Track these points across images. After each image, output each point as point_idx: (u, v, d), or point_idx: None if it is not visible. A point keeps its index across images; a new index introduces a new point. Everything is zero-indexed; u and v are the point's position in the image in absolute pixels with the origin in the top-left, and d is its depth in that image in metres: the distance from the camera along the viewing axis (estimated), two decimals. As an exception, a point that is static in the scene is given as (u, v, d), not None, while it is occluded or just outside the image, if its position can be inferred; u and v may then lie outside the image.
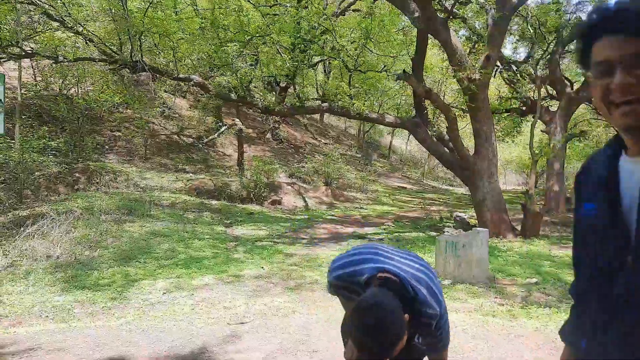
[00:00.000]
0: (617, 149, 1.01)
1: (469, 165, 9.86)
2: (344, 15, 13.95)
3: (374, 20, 11.51)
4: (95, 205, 8.64)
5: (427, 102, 10.95)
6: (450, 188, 22.40)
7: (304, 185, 14.81)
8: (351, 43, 11.04)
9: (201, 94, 16.66)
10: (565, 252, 7.86)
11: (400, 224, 10.96)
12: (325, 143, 22.16)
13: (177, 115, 18.04)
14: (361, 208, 13.81)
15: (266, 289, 5.69)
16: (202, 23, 10.66)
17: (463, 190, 22.33)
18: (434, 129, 10.95)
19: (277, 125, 21.07)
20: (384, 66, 13.03)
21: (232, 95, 10.45)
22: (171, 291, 5.46)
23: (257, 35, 10.18)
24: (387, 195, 16.74)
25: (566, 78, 13.71)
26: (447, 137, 10.91)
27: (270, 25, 10.01)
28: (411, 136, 28.17)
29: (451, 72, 10.56)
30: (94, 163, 12.19)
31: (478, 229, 6.46)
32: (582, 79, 16.00)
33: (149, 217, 8.78)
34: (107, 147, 14.25)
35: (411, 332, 1.80)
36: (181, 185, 12.62)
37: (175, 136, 16.88)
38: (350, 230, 10.13)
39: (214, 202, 11.39)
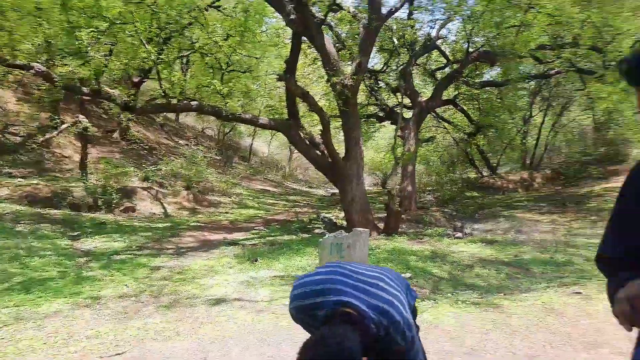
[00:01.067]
0: None
1: (340, 168, 10.29)
2: (207, 10, 13.37)
3: (246, 19, 11.28)
4: None
5: (299, 105, 11.13)
6: (310, 190, 23.19)
7: (162, 190, 13.74)
8: (224, 40, 10.59)
9: (37, 86, 14.28)
10: (424, 247, 8.67)
11: (271, 228, 10.88)
12: (184, 144, 20.97)
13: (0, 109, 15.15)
14: (227, 213, 13.38)
15: (135, 310, 5.04)
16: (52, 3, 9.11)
17: (322, 191, 23.36)
18: (306, 131, 11.16)
19: (127, 124, 19.21)
20: (249, 67, 12.88)
21: (84, 88, 9.13)
22: (10, 324, 4.46)
23: (118, 22, 9.09)
24: (252, 198, 16.57)
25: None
26: (318, 140, 11.24)
27: (134, 12, 9.01)
28: (273, 139, 28.53)
29: (317, 77, 10.93)
30: None
31: (359, 229, 6.72)
32: (429, 91, 18.09)
33: (-35, 232, 7.12)
34: None
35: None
36: (7, 193, 10.60)
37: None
38: (219, 236, 9.70)
39: (53, 211, 9.80)
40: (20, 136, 14.72)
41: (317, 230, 10.50)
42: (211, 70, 11.70)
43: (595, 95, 14.01)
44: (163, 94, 10.76)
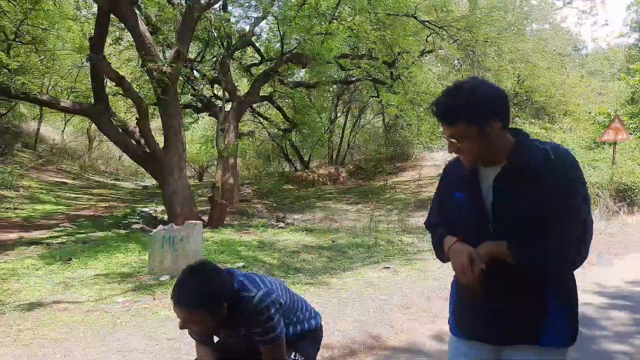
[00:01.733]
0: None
1: (159, 159, 9.92)
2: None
3: None
4: None
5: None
6: (118, 183, 21.42)
7: None
8: (13, 6, 9.04)
9: None
10: (251, 238, 9.13)
11: (78, 224, 9.85)
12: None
13: None
14: (16, 208, 11.47)
15: None
16: None
17: (131, 184, 21.81)
18: (118, 118, 10.39)
19: None
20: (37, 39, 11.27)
21: None
22: None
23: None
24: (46, 192, 14.52)
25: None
26: (132, 128, 10.57)
27: None
28: (67, 125, 25.18)
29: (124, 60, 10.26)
30: None
31: (192, 221, 6.73)
32: (244, 85, 18.64)
33: None
34: None
35: (237, 318, 1.98)
36: None
37: None
38: (13, 235, 8.38)
39: None
40: None
41: (135, 226, 9.95)
42: (7, 41, 9.89)
43: (385, 102, 16.67)
44: None
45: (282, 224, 10.67)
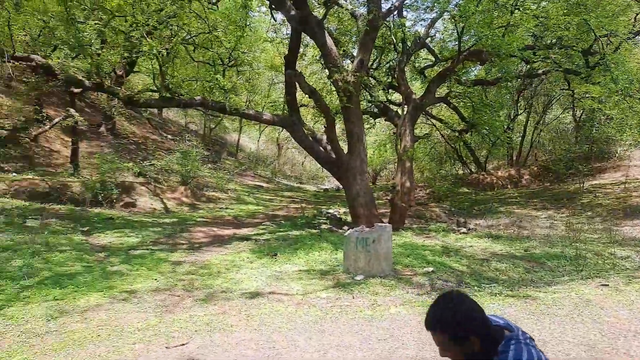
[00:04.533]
0: None
1: (344, 163, 10.45)
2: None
3: (230, 12, 11.27)
4: None
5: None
6: (302, 186, 23.30)
7: (160, 186, 13.63)
8: (226, 35, 10.58)
9: (25, 78, 13.87)
10: (434, 242, 8.96)
11: (277, 224, 10.97)
12: (172, 139, 20.75)
13: (-19, 101, 14.70)
14: (227, 208, 13.39)
15: (174, 303, 5.11)
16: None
17: (312, 187, 23.52)
18: (308, 127, 11.29)
19: (116, 118, 18.93)
20: (250, 62, 12.88)
21: (86, 81, 9.01)
22: (55, 317, 4.47)
23: (118, 14, 9.00)
24: (247, 194, 16.58)
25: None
26: (320, 136, 11.38)
27: (136, 5, 8.93)
28: (264, 134, 28.46)
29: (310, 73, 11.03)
30: None
31: (382, 224, 6.92)
32: (417, 88, 18.47)
33: (-22, 228, 6.98)
34: None
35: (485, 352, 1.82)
36: (4, 188, 10.37)
37: (-18, 127, 13.74)
38: (229, 232, 9.75)
39: (57, 206, 9.66)
40: (6, 129, 14.32)
41: (323, 226, 10.66)
42: (212, 65, 11.70)
43: (579, 94, 14.59)
44: (156, 88, 10.70)
45: (464, 229, 10.21)
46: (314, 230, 10.09)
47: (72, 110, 13.30)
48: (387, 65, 16.30)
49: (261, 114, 10.80)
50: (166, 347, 3.74)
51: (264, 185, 20.14)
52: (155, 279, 5.96)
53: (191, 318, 4.62)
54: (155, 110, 26.13)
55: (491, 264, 6.87)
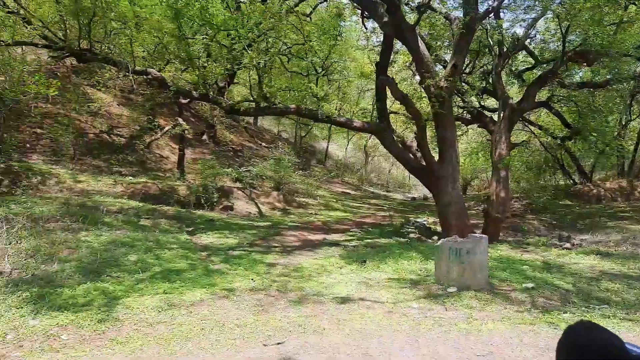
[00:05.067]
0: None
1: (435, 171, 10.14)
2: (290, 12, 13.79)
3: (324, 23, 11.51)
4: (36, 211, 7.52)
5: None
6: (389, 194, 23.06)
7: (255, 191, 14.30)
8: (320, 44, 10.87)
9: (142, 91, 15.41)
10: (533, 257, 8.34)
11: (365, 231, 10.97)
12: (266, 147, 21.69)
13: (105, 112, 16.49)
14: (316, 214, 13.65)
15: (269, 303, 5.29)
16: (165, 12, 9.83)
17: (399, 195, 23.14)
18: (397, 134, 11.16)
19: (217, 127, 20.27)
20: (342, 70, 13.07)
21: (194, 92, 9.76)
22: (165, 309, 4.86)
23: (223, 29, 9.63)
24: (335, 200, 16.78)
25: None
26: (409, 142, 11.18)
27: (238, 19, 9.51)
28: (351, 142, 28.69)
29: (414, 80, 10.87)
30: (17, 163, 10.72)
31: (477, 235, 6.61)
32: (513, 92, 17.39)
33: (102, 224, 7.83)
34: (28, 145, 12.63)
35: None
36: (121, 190, 11.53)
37: (106, 135, 15.45)
38: (319, 237, 9.92)
39: (165, 208, 10.54)
40: (124, 137, 15.95)
41: (412, 235, 10.43)
42: (305, 75, 12.05)
43: None
44: (252, 98, 11.22)
45: (567, 245, 9.38)
46: (402, 239, 9.91)
47: (180, 120, 14.46)
48: (482, 69, 15.60)
49: (352, 120, 10.90)
50: (264, 345, 3.88)
51: (351, 192, 20.25)
52: (252, 279, 6.23)
53: (285, 318, 4.75)
54: (251, 120, 27.53)
55: (601, 284, 6.22)
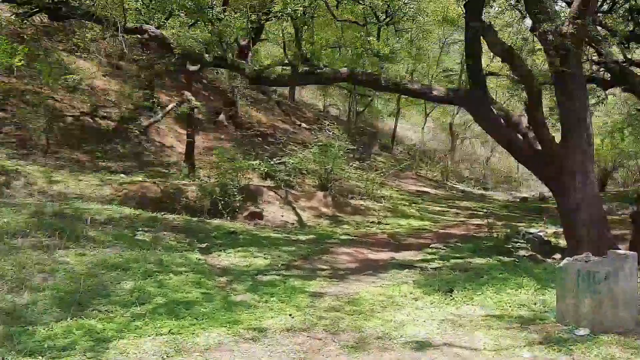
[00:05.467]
0: None
1: (555, 158, 9.89)
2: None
3: None
4: (-1, 224, 8.03)
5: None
6: (487, 193, 22.75)
7: (292, 191, 14.52)
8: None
9: (135, 57, 15.98)
10: None
11: (451, 246, 10.93)
12: (307, 128, 21.99)
13: (88, 87, 17.20)
14: (379, 223, 13.70)
15: (314, 349, 5.37)
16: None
17: (504, 195, 22.73)
18: (499, 106, 11.01)
19: (235, 104, 20.69)
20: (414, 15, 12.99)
21: (207, 56, 10.05)
22: (171, 355, 5.04)
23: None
24: (408, 203, 16.76)
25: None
26: (517, 118, 10.99)
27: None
28: (430, 119, 28.48)
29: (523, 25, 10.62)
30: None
31: (622, 251, 6.41)
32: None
33: (86, 240, 8.23)
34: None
35: None
36: (111, 193, 12.05)
37: (89, 119, 16.15)
38: (383, 255, 9.98)
39: (170, 216, 10.92)
40: (113, 121, 16.55)
41: (521, 252, 10.32)
42: (362, 24, 12.08)
43: None
44: (288, 61, 11.34)
45: None
46: (506, 258, 9.77)
47: (187, 94, 14.90)
48: (627, 4, 14.89)
49: (430, 88, 10.86)
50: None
51: (431, 191, 20.16)
52: (290, 315, 6.34)
53: (338, 372, 4.81)
54: (287, 92, 28.00)
55: None
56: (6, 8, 12.58)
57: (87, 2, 10.69)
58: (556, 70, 9.66)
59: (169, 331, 5.58)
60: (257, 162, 14.95)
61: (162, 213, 11.09)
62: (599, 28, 14.96)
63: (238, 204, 12.46)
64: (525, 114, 10.53)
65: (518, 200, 20.96)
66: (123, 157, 15.16)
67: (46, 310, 5.86)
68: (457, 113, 26.48)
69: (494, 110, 10.63)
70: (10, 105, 14.31)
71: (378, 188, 17.06)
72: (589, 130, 10.10)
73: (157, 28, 11.37)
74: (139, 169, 14.68)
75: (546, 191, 16.79)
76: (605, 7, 14.84)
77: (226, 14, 12.01)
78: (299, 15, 10.32)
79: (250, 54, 16.52)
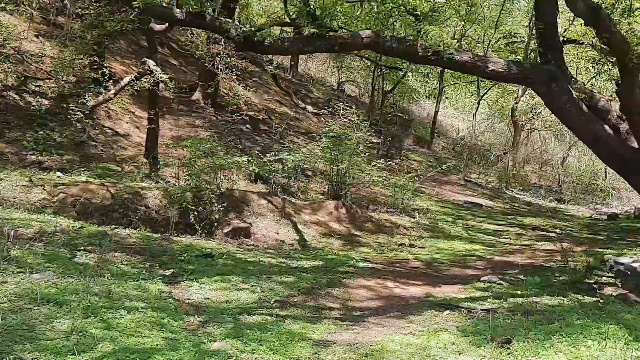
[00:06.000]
0: None
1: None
2: None
3: None
4: None
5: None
6: (562, 206, 22.70)
7: (292, 200, 14.54)
8: None
9: (79, 11, 16.06)
10: None
11: (510, 279, 10.89)
12: (317, 113, 22.01)
13: (14, 51, 17.30)
14: (411, 245, 13.68)
15: None
16: None
17: (586, 210, 22.67)
18: (579, 86, 11.02)
19: (216, 77, 20.73)
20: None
21: (178, 11, 10.11)
22: None
23: None
24: (452, 219, 16.72)
25: None
26: (605, 103, 11.00)
27: None
28: (484, 103, 28.45)
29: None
30: None
31: None
32: None
33: (7, 262, 8.26)
34: None
35: None
36: (43, 197, 12.10)
37: (14, 95, 16.24)
38: (416, 291, 9.95)
39: (124, 231, 10.94)
40: (47, 98, 16.58)
41: (608, 289, 10.26)
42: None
43: None
44: (289, 19, 11.37)
45: None
46: (587, 298, 9.73)
47: (150, 63, 14.94)
48: None
49: (485, 59, 10.87)
50: None
51: (484, 202, 20.12)
52: (285, 371, 6.34)
53: None
54: (287, 62, 28.07)
55: None
56: None
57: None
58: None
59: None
60: (245, 158, 14.97)
61: (113, 227, 11.12)
62: None
63: (217, 216, 12.45)
64: (617, 98, 10.54)
65: (605, 217, 20.84)
66: (60, 148, 15.23)
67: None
68: (522, 95, 26.32)
69: (573, 92, 10.62)
70: None
71: (411, 197, 17.05)
72: None
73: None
74: (81, 165, 14.74)
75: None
76: None
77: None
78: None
79: (237, 9, 16.62)
